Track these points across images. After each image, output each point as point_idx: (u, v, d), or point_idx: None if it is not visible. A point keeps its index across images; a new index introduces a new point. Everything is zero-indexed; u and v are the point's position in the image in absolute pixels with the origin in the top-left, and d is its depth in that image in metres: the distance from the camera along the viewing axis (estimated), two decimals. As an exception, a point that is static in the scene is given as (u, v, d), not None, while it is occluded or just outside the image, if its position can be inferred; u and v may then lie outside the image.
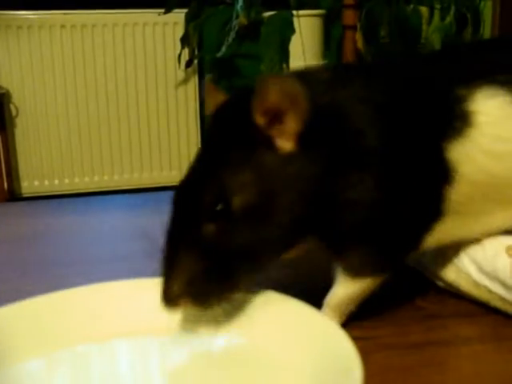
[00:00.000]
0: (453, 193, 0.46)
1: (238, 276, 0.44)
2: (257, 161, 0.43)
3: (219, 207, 0.43)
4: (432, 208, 0.46)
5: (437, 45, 1.87)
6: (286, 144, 0.43)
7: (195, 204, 0.44)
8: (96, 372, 0.42)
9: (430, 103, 0.46)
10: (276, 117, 0.43)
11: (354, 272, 0.47)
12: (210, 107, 0.49)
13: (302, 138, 0.43)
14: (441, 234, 0.47)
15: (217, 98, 0.49)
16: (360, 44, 2.02)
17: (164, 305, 0.43)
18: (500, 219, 0.49)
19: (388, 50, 1.96)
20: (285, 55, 1.82)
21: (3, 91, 2.39)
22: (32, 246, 0.70)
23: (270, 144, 0.43)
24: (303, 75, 0.46)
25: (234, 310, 0.46)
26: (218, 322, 0.45)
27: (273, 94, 0.42)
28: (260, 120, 0.43)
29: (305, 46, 1.95)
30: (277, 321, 0.44)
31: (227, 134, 0.45)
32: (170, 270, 0.44)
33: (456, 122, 0.45)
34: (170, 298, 0.43)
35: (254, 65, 2.16)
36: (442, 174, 0.45)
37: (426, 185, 0.46)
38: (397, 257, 0.48)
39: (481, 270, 0.49)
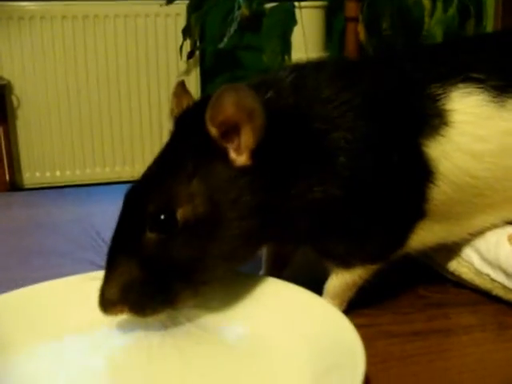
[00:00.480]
0: (434, 192, 0.45)
1: (176, 291, 0.42)
2: (208, 172, 0.42)
3: (163, 217, 0.41)
4: (414, 207, 0.46)
5: (439, 37, 1.87)
6: (239, 158, 0.42)
7: (140, 211, 0.42)
8: (86, 362, 0.42)
9: (405, 101, 0.46)
10: (231, 129, 0.42)
11: (344, 265, 0.46)
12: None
13: (257, 152, 0.42)
14: (424, 234, 0.47)
15: None
16: (362, 36, 2.02)
17: (100, 310, 0.42)
18: (481, 221, 0.49)
19: (390, 42, 1.96)
20: (286, 47, 1.81)
21: (4, 82, 2.39)
22: (32, 236, 0.70)
23: (223, 156, 0.42)
24: (265, 82, 0.45)
25: (235, 297, 0.46)
26: (220, 310, 0.46)
27: (228, 106, 0.40)
28: (213, 131, 0.42)
29: (307, 38, 1.94)
30: (278, 307, 0.44)
31: (183, 141, 0.44)
32: (108, 274, 0.42)
33: (433, 120, 0.45)
34: (105, 305, 0.42)
35: (255, 56, 2.15)
36: (422, 173, 0.45)
37: (405, 183, 0.45)
38: (382, 253, 0.47)
39: (483, 258, 0.49)
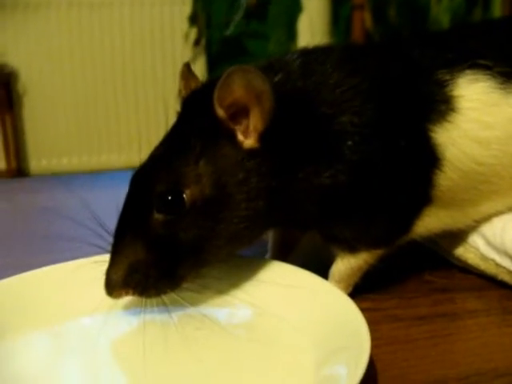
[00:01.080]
0: (440, 178, 0.45)
1: (181, 272, 0.42)
2: (215, 153, 0.42)
3: (170, 198, 0.41)
4: (420, 193, 0.46)
5: (446, 24, 1.86)
6: (247, 140, 0.42)
7: (148, 192, 0.42)
8: (88, 346, 0.42)
9: (412, 87, 0.46)
10: (239, 111, 0.42)
11: (349, 249, 0.46)
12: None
13: (265, 136, 0.42)
14: (430, 220, 0.47)
15: None
16: (368, 23, 2.01)
17: (105, 293, 0.42)
18: (487, 208, 0.49)
19: (396, 29, 1.95)
20: (292, 34, 1.81)
21: (11, 70, 2.39)
22: (38, 221, 0.70)
23: (231, 138, 0.42)
24: (273, 65, 0.45)
25: (241, 280, 0.46)
26: (225, 293, 0.46)
27: (237, 88, 0.40)
28: (221, 113, 0.42)
29: (313, 26, 1.94)
30: (284, 290, 0.45)
31: (191, 122, 0.44)
32: (114, 256, 0.42)
33: (440, 106, 0.45)
34: (110, 287, 0.42)
35: (261, 44, 2.15)
36: (428, 158, 0.45)
37: (411, 168, 0.45)
38: (388, 238, 0.47)
39: (489, 243, 0.49)
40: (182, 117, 0.46)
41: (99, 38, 2.42)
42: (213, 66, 2.52)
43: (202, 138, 0.42)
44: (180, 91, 0.49)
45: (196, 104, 0.45)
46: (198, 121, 0.43)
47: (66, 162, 2.49)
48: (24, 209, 0.75)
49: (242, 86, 0.40)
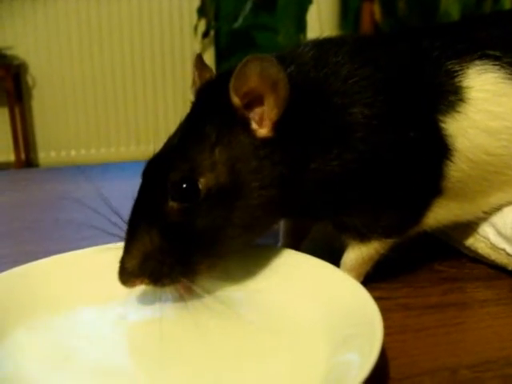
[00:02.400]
0: (451, 169, 0.45)
1: (195, 261, 0.43)
2: (230, 141, 0.42)
3: (185, 186, 0.42)
4: (430, 184, 0.46)
5: (455, 17, 1.85)
6: (261, 129, 0.42)
7: (162, 180, 0.42)
8: (101, 335, 0.42)
9: (422, 78, 0.46)
10: (255, 100, 0.42)
11: (360, 239, 0.47)
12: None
13: (279, 125, 0.42)
14: (440, 211, 0.47)
15: None
16: (377, 16, 2.01)
17: (120, 282, 0.42)
18: (497, 199, 0.49)
19: (405, 21, 1.94)
20: (301, 26, 1.81)
21: (20, 62, 2.40)
22: (48, 210, 0.71)
23: (246, 126, 0.42)
24: (286, 56, 0.45)
25: (253, 268, 0.47)
26: (237, 281, 0.46)
27: (253, 77, 0.41)
28: (237, 101, 0.42)
29: (322, 18, 1.94)
30: (296, 278, 0.45)
31: (206, 111, 0.44)
32: (129, 244, 0.43)
33: (450, 96, 0.45)
34: (125, 276, 0.42)
35: (270, 36, 2.15)
36: (438, 149, 0.45)
37: (422, 159, 0.45)
38: (398, 228, 0.47)
39: (499, 233, 0.49)
40: (196, 106, 0.46)
41: (108, 30, 2.42)
42: (221, 58, 2.52)
43: (217, 126, 0.43)
44: (194, 81, 0.49)
45: (210, 93, 0.45)
46: (212, 110, 0.44)
47: (74, 154, 2.51)
48: (36, 198, 0.75)
49: (258, 74, 0.40)
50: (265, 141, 0.42)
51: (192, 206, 0.42)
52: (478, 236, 0.51)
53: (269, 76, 0.41)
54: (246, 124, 0.42)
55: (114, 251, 0.43)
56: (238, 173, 0.42)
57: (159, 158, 0.44)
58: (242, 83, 0.41)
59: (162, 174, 0.43)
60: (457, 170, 0.46)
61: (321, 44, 0.47)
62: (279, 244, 0.53)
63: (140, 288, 0.45)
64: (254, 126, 0.42)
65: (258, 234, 0.46)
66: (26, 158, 2.50)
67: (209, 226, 0.42)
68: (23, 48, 2.40)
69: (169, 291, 0.44)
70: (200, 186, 0.41)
